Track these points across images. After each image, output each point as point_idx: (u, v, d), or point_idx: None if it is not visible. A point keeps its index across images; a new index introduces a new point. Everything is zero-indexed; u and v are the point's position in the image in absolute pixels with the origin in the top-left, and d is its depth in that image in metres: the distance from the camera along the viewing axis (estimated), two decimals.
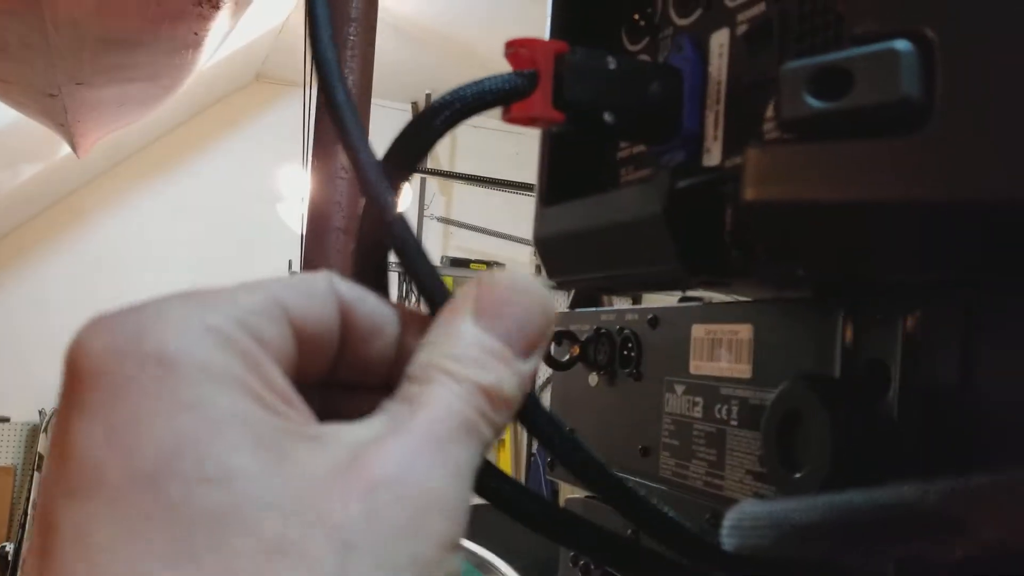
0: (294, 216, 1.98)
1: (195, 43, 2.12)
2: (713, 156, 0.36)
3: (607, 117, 0.35)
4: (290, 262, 1.90)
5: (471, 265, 4.48)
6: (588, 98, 0.35)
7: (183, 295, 0.22)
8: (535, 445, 4.57)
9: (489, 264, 4.47)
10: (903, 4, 0.27)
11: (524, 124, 0.36)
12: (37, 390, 3.82)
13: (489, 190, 4.10)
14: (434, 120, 0.32)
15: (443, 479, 0.22)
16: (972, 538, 0.20)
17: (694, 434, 0.44)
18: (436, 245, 4.52)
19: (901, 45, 0.26)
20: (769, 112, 0.33)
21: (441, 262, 4.45)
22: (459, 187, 4.48)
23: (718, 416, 0.42)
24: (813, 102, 0.27)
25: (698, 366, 0.44)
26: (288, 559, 0.19)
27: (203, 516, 0.19)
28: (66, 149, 2.58)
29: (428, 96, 4.45)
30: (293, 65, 3.17)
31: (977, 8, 0.26)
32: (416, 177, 4.02)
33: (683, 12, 0.39)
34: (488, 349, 0.24)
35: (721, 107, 0.35)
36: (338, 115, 0.29)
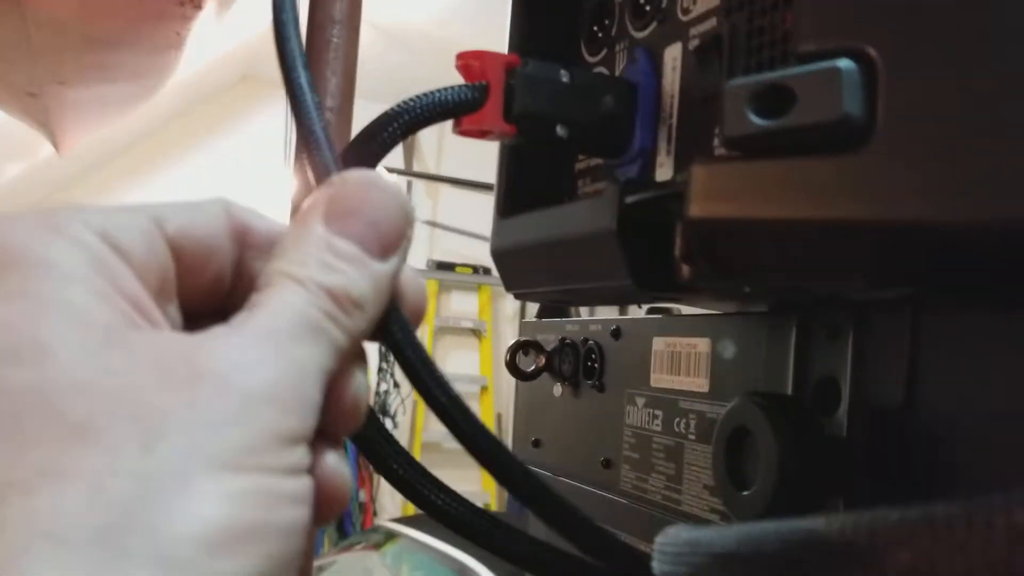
0: (281, 217, 1.97)
1: (177, 43, 2.11)
2: (665, 171, 0.35)
3: (560, 131, 0.35)
4: None
5: (456, 268, 4.47)
6: (540, 111, 0.35)
7: (67, 208, 0.22)
8: None
9: (475, 268, 4.46)
10: (847, 23, 0.27)
11: (476, 137, 0.35)
12: None
13: (476, 193, 4.10)
14: (382, 132, 0.32)
15: (276, 372, 0.21)
16: (878, 571, 0.20)
17: (653, 447, 0.43)
18: (422, 248, 4.51)
19: (843, 64, 0.26)
20: (718, 131, 0.33)
21: (427, 265, 4.45)
22: (445, 190, 4.48)
23: (676, 430, 0.42)
24: (756, 119, 0.27)
25: (658, 379, 0.44)
26: (87, 444, 0.18)
27: (7, 395, 0.18)
28: (49, 148, 2.58)
29: None
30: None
31: (919, 28, 0.26)
32: (402, 180, 4.01)
33: (639, 25, 0.39)
34: (336, 250, 0.24)
35: (673, 122, 0.35)
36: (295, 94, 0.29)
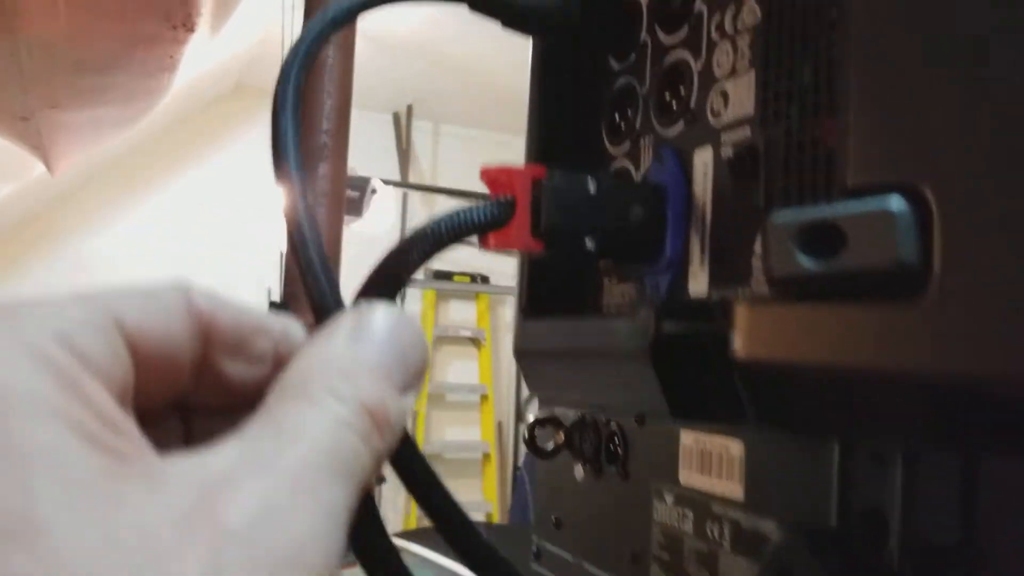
0: (277, 234, 1.96)
1: (170, 66, 2.09)
2: (699, 284, 0.34)
3: (588, 243, 0.34)
4: (269, 291, 1.86)
5: (454, 277, 4.46)
6: (568, 225, 0.33)
7: (13, 308, 0.19)
8: (521, 459, 4.55)
9: (473, 276, 4.45)
10: (899, 157, 0.26)
11: (503, 250, 0.34)
12: None
13: (472, 203, 4.08)
14: (410, 254, 0.30)
15: (309, 527, 0.18)
16: None
17: (685, 550, 0.42)
18: None
19: (896, 206, 0.25)
20: (757, 247, 0.32)
21: (424, 275, 4.43)
22: (442, 198, 4.46)
23: (710, 535, 0.40)
24: (803, 260, 0.26)
25: (688, 476, 0.43)
26: None
27: None
28: (41, 168, 2.56)
29: (410, 108, 4.43)
30: (275, 74, 3.13)
31: (976, 166, 0.24)
32: (398, 191, 3.99)
33: (665, 122, 0.37)
34: (373, 367, 0.22)
35: (707, 232, 0.34)
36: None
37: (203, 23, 2.02)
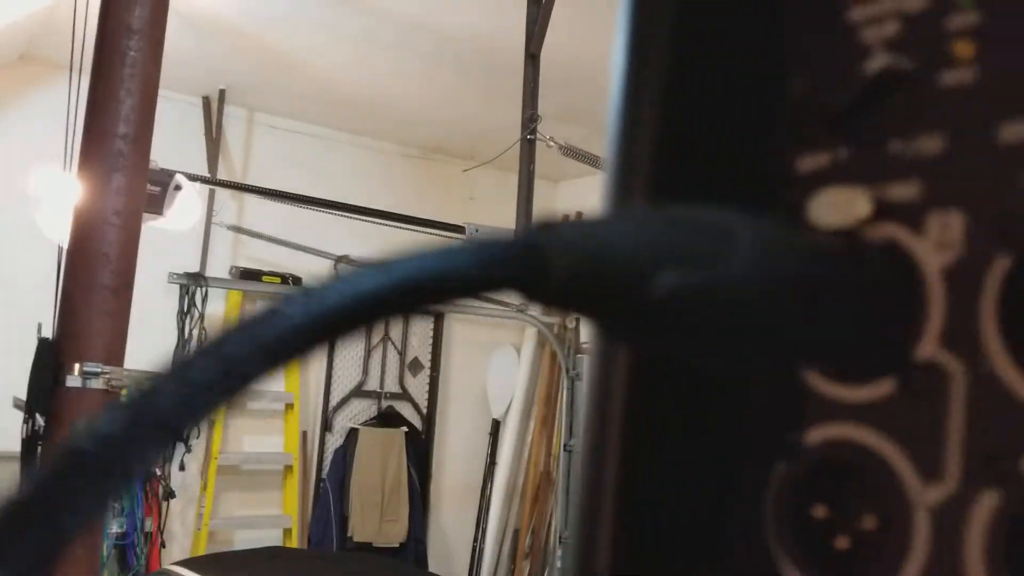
0: (55, 225, 1.67)
1: None
2: None
3: None
4: (40, 326, 1.56)
5: (263, 278, 4.15)
6: None
7: None
8: (325, 469, 4.32)
9: (284, 277, 4.16)
10: None
11: None
12: None
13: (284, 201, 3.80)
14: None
15: None
16: None
17: None
18: (225, 255, 4.16)
19: None
20: None
21: (230, 273, 4.10)
22: (252, 199, 4.13)
23: None
24: None
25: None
26: None
27: None
28: None
29: (222, 92, 4.07)
30: (64, 45, 2.73)
31: None
32: (205, 187, 3.65)
33: None
34: None
35: None
36: None
37: None
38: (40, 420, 1.52)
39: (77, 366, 1.56)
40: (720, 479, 0.24)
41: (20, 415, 1.52)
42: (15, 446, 1.57)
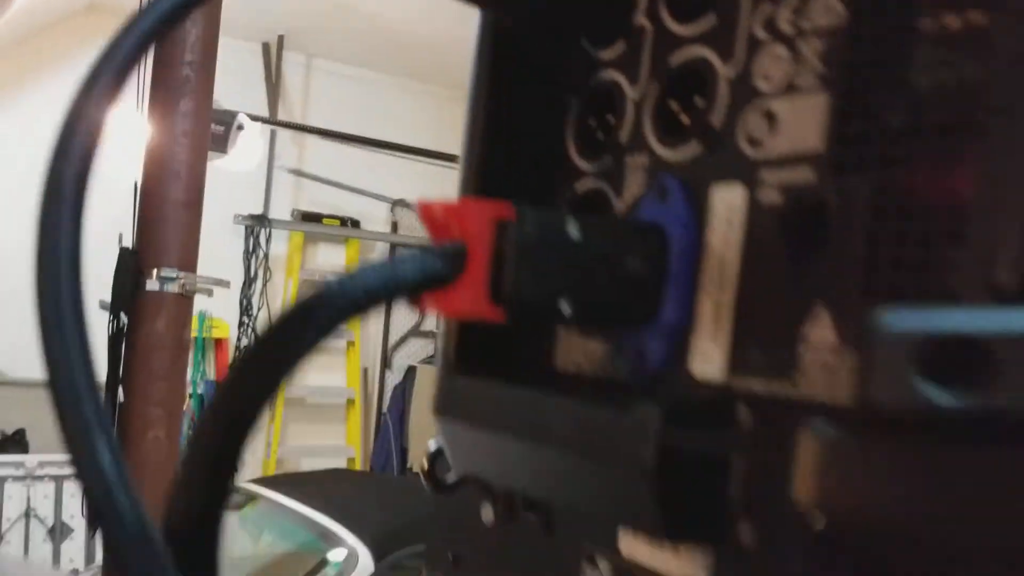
0: (127, 168, 1.79)
1: None
2: (710, 364, 0.26)
3: (564, 307, 0.25)
4: (120, 236, 1.70)
5: (324, 220, 4.28)
6: (542, 288, 0.25)
7: None
8: (386, 404, 4.47)
9: (343, 220, 4.28)
10: None
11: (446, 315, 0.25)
12: None
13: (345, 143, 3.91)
14: (304, 331, 0.21)
15: None
16: None
17: None
18: (286, 198, 4.29)
19: None
20: (812, 332, 0.23)
21: (292, 216, 4.24)
22: (313, 137, 4.25)
23: None
24: (930, 391, 0.18)
25: (631, 547, 0.35)
26: None
27: None
28: None
29: (281, 38, 4.18)
30: None
31: None
32: (266, 128, 3.77)
33: (669, 141, 0.28)
34: None
35: (728, 298, 0.26)
36: None
37: None
38: (123, 319, 1.65)
39: (155, 272, 1.69)
40: None
41: (105, 315, 1.66)
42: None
